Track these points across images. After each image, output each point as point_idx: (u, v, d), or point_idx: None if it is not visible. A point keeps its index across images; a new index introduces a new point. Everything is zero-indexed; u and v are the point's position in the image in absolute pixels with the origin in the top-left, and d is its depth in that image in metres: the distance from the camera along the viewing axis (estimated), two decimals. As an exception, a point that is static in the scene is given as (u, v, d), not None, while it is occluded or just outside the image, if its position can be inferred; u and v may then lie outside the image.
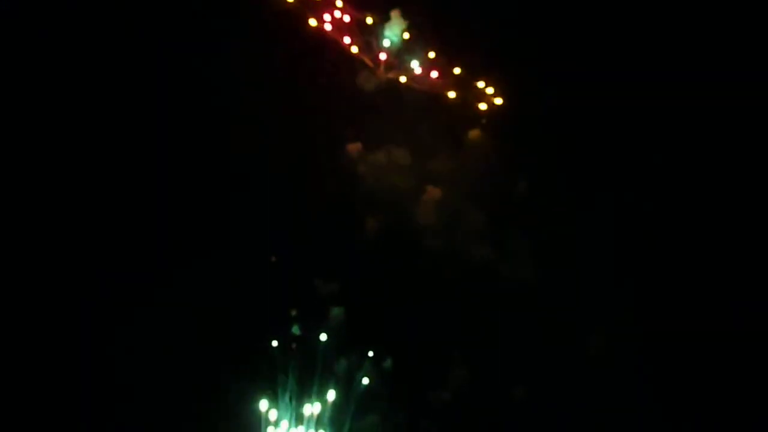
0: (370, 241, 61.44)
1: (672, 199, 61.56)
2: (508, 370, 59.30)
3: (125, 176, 60.83)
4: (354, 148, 62.57)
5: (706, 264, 60.31)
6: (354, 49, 64.44)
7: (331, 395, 57.52)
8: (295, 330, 58.77)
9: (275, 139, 62.15)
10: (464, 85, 63.75)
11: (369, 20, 64.72)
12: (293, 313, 59.21)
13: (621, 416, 57.92)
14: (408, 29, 63.96)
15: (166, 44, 62.44)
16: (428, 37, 63.78)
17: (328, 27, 64.76)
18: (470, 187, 62.12)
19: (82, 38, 61.96)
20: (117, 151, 61.10)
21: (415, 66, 63.90)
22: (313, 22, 64.78)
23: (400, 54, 64.00)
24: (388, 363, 58.86)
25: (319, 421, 57.21)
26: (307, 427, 57.15)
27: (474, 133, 63.09)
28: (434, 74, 63.81)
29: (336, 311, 59.39)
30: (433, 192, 62.08)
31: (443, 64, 63.73)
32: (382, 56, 64.10)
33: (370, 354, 58.64)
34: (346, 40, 64.54)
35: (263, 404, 57.04)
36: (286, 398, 57.17)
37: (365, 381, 58.26)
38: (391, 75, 63.97)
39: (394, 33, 63.93)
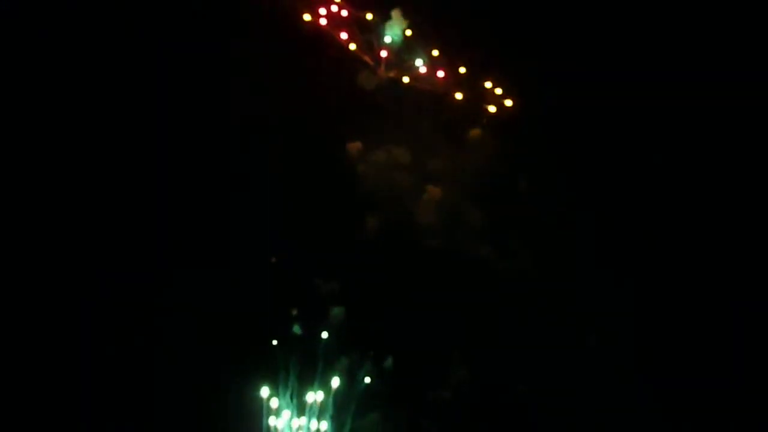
0: (370, 241, 61.43)
1: (671, 199, 61.51)
2: (508, 369, 59.36)
3: (126, 177, 60.89)
4: (354, 147, 62.48)
5: (705, 263, 60.30)
6: (352, 46, 64.11)
7: (335, 382, 57.56)
8: (296, 329, 58.84)
9: (275, 139, 62.16)
10: (470, 85, 63.52)
11: (369, 16, 64.36)
12: (294, 312, 59.28)
13: (620, 415, 58.03)
14: (410, 27, 63.69)
15: (165, 45, 62.44)
16: (430, 34, 63.46)
17: (323, 22, 64.40)
18: (470, 186, 62.08)
19: (78, 39, 61.99)
20: (116, 152, 61.17)
21: (420, 64, 63.62)
22: (307, 16, 64.40)
23: (402, 52, 63.71)
24: (388, 362, 58.94)
25: (321, 411, 57.32)
26: (309, 417, 57.31)
27: (474, 133, 62.98)
28: (440, 74, 63.55)
29: (336, 311, 59.43)
30: (434, 191, 62.04)
31: (447, 63, 63.53)
32: (383, 54, 63.84)
33: (371, 353, 58.77)
34: (343, 35, 64.14)
35: (264, 391, 57.18)
36: (288, 391, 57.27)
37: (366, 380, 58.36)
38: (392, 74, 63.71)
39: (395, 31, 63.64)
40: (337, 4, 64.72)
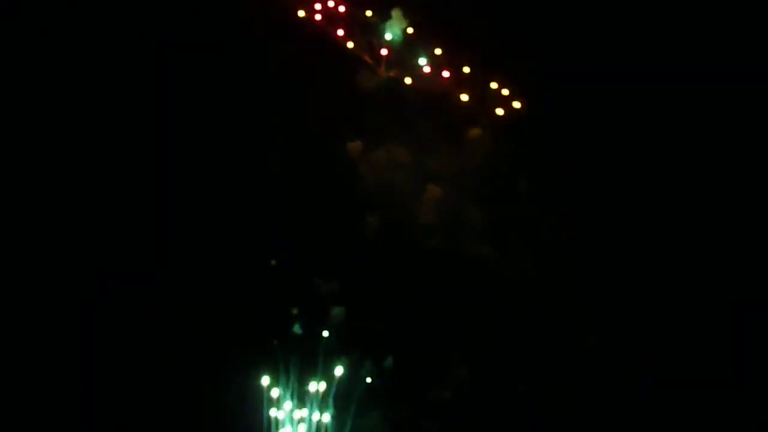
0: (371, 240, 61.44)
1: (672, 199, 61.50)
2: (508, 369, 59.40)
3: (126, 178, 60.93)
4: (355, 147, 62.32)
5: (705, 263, 60.33)
6: (350, 45, 63.73)
7: (339, 371, 57.64)
8: (297, 329, 58.91)
9: (275, 140, 62.16)
10: (475, 85, 63.08)
11: (368, 13, 63.80)
12: (294, 312, 59.33)
13: (620, 415, 58.08)
14: (410, 25, 63.29)
15: (164, 46, 62.43)
16: (432, 33, 63.07)
17: (318, 18, 64.03)
18: (471, 186, 62.02)
19: (75, 39, 62.06)
20: (116, 152, 61.21)
21: (423, 64, 63.08)
22: (301, 13, 64.03)
23: (402, 51, 63.25)
24: (388, 362, 59.00)
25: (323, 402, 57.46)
26: (311, 409, 57.42)
27: (475, 132, 62.76)
28: (446, 74, 63.01)
29: (336, 311, 59.48)
30: (434, 191, 61.93)
31: (450, 63, 63.07)
32: (383, 52, 63.45)
33: (371, 353, 58.90)
34: (340, 32, 63.75)
35: (265, 380, 57.27)
36: (289, 383, 57.36)
37: (366, 380, 58.45)
38: (392, 73, 63.31)
39: (395, 30, 63.23)
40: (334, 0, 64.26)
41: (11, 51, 61.31)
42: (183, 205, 60.76)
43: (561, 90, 61.96)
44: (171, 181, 61.06)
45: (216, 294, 58.89)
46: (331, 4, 64.56)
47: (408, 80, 63.22)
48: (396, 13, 63.41)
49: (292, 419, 57.21)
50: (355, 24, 64.06)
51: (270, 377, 57.26)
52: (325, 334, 58.66)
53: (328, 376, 57.53)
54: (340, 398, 57.84)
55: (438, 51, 63.17)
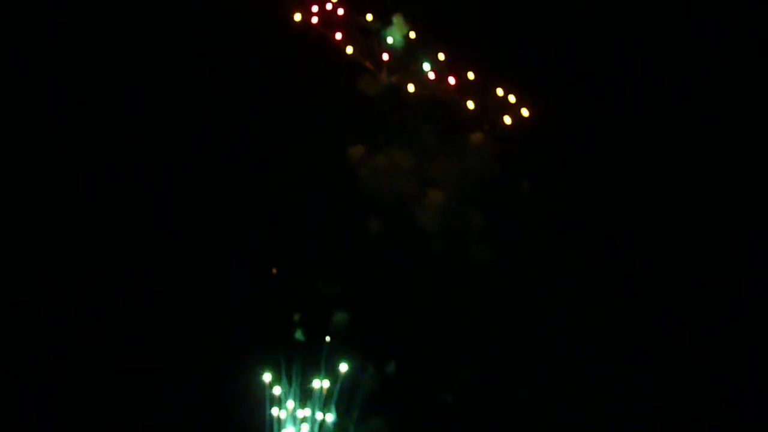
0: (374, 244, 61.28)
1: (672, 199, 61.80)
2: (512, 373, 59.34)
3: (126, 178, 60.65)
4: (356, 151, 62.10)
5: (706, 263, 60.60)
6: (349, 49, 63.40)
7: (343, 367, 57.23)
8: (299, 335, 58.58)
9: (276, 142, 61.94)
10: (480, 92, 62.41)
11: (369, 17, 63.47)
12: (296, 317, 59.00)
13: (624, 417, 58.18)
14: (413, 29, 62.86)
15: (163, 47, 62.33)
16: (434, 38, 62.75)
17: (315, 20, 63.70)
18: (473, 189, 62.03)
19: (75, 40, 61.77)
20: (116, 152, 60.93)
21: (427, 68, 62.35)
22: (298, 16, 63.69)
23: (404, 56, 63.03)
24: (391, 366, 58.74)
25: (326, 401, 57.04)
26: (314, 409, 56.85)
27: (477, 136, 62.67)
28: (452, 80, 62.18)
29: (339, 315, 59.19)
30: (436, 195, 61.80)
31: (454, 68, 62.48)
32: (385, 57, 63.10)
33: (373, 357, 58.59)
34: (338, 36, 63.44)
35: (267, 376, 56.89)
36: (292, 382, 57.02)
37: (369, 384, 58.18)
38: (394, 79, 63.04)
39: (396, 36, 63.04)
40: (332, 2, 63.78)
41: (11, 51, 60.75)
42: (183, 206, 60.58)
43: (568, 95, 61.86)
44: (172, 185, 60.82)
45: (216, 294, 58.67)
46: (328, 7, 63.95)
47: (411, 87, 62.61)
48: (397, 19, 63.08)
49: (294, 418, 56.75)
50: (354, 26, 63.57)
51: (272, 375, 56.78)
52: (327, 339, 58.33)
53: (331, 375, 57.14)
54: (343, 401, 57.55)
55: (441, 56, 62.59)
